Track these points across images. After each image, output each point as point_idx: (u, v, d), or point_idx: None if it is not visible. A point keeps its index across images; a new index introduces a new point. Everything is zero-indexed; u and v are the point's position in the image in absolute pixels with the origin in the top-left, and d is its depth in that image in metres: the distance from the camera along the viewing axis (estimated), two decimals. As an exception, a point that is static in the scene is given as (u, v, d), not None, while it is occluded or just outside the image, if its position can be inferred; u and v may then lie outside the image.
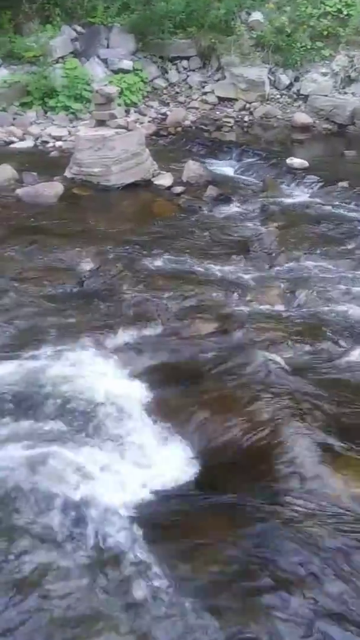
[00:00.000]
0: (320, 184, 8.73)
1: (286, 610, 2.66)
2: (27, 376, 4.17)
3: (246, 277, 5.98)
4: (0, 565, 2.83)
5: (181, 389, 4.24)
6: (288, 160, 9.46)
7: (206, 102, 12.92)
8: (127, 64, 12.94)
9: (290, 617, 2.63)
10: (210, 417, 3.89)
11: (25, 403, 3.95)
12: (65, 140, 10.89)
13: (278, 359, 4.43)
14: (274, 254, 6.46)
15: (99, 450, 3.60)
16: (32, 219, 7.33)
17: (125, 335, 4.79)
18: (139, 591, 2.76)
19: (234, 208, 7.88)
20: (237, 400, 4.02)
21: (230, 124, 12.14)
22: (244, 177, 9.24)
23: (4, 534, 2.98)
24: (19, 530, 3.00)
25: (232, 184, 8.84)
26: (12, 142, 11.00)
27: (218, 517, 3.28)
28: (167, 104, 12.91)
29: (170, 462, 3.61)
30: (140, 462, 3.59)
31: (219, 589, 2.80)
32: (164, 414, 3.95)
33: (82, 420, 3.83)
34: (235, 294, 5.58)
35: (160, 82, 13.33)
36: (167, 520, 3.26)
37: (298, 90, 13.04)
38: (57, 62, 12.56)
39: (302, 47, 13.03)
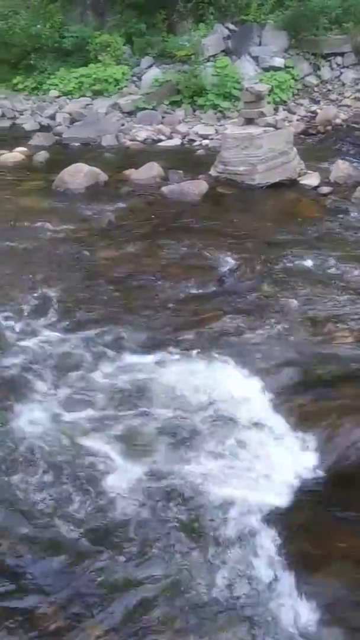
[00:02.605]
0: None
1: None
2: (164, 374, 4.17)
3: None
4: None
5: (314, 395, 4.08)
6: None
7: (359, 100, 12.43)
8: (278, 61, 12.76)
9: None
10: (343, 425, 3.74)
11: (158, 400, 3.95)
12: (211, 139, 10.91)
13: None
14: None
15: (230, 451, 3.55)
16: (176, 217, 7.38)
17: (264, 337, 4.65)
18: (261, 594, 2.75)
19: (385, 211, 7.49)
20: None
21: (384, 123, 11.59)
22: None
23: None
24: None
25: (384, 186, 8.39)
26: (160, 140, 11.19)
27: (348, 529, 3.17)
28: (318, 102, 12.58)
29: (300, 468, 3.49)
30: (271, 466, 3.48)
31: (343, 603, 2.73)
32: (296, 418, 3.82)
33: (214, 420, 3.78)
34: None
35: (311, 80, 13.02)
36: (295, 526, 3.17)
37: None
38: (208, 60, 12.62)
39: None
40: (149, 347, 4.54)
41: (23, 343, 4.57)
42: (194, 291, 5.53)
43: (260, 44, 13.24)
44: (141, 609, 2.72)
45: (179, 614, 2.69)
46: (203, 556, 2.95)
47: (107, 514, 3.15)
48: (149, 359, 4.38)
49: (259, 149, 8.19)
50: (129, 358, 4.41)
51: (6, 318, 4.94)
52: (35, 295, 5.33)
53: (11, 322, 4.88)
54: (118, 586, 2.82)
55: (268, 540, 3.02)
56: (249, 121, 8.49)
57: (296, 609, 2.71)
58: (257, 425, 3.77)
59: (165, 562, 2.92)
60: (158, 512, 3.17)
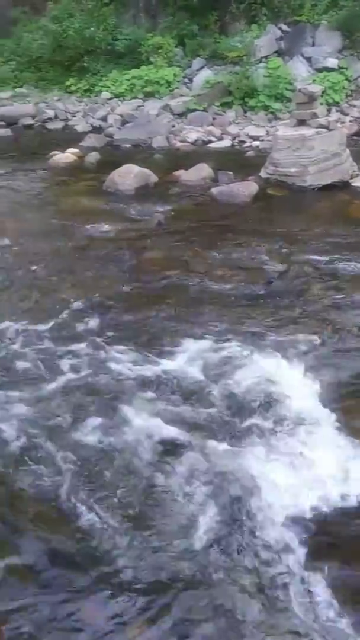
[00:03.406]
0: None
1: None
2: (212, 376, 4.14)
3: None
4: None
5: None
6: None
7: None
8: (332, 62, 12.59)
9: None
10: None
11: (206, 402, 3.91)
12: (262, 140, 10.84)
13: None
14: None
15: (281, 457, 3.48)
16: (225, 218, 7.35)
17: (314, 342, 4.56)
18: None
19: None
20: None
21: None
22: None
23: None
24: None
25: None
26: (211, 142, 11.18)
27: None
28: (372, 103, 12.36)
29: (352, 478, 3.36)
30: (321, 475, 3.38)
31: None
32: (350, 427, 3.71)
33: (265, 425, 3.73)
34: None
35: (365, 81, 12.81)
36: (338, 539, 3.08)
37: None
38: (260, 61, 12.55)
39: None
40: (196, 348, 4.51)
41: (72, 346, 4.60)
42: (242, 292, 5.48)
43: (313, 45, 13.09)
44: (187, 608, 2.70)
45: (219, 615, 2.66)
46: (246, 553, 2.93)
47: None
48: (199, 360, 4.35)
49: (311, 150, 8.10)
50: (180, 358, 4.40)
51: (57, 315, 5.00)
52: (83, 294, 5.36)
53: (61, 321, 4.93)
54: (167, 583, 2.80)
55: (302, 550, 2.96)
56: (301, 122, 8.41)
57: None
58: (305, 428, 3.71)
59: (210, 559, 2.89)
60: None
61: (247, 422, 3.73)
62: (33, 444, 3.55)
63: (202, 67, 13.09)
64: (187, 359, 4.38)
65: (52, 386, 4.09)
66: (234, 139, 11.23)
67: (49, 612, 2.67)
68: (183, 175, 8.84)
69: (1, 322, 4.86)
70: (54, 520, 3.11)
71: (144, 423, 3.72)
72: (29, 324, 4.85)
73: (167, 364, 4.32)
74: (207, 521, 3.07)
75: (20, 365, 4.33)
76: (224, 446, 3.55)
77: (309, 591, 2.75)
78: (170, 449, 3.53)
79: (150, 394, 4.01)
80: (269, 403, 3.87)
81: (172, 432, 3.65)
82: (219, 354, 4.41)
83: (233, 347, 4.49)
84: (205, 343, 4.57)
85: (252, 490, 3.22)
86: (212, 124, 11.77)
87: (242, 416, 3.78)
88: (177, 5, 13.61)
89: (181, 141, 11.21)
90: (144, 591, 2.76)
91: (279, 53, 12.98)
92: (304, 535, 3.02)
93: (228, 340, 4.61)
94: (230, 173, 8.70)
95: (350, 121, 11.66)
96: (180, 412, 3.83)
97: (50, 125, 12.92)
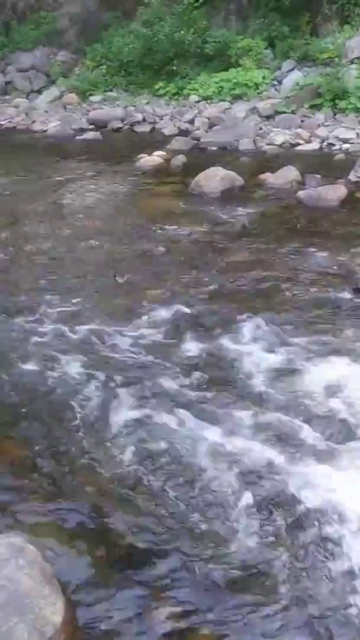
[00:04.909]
0: None
1: None
2: (295, 384, 4.08)
3: None
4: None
5: None
6: None
7: None
8: None
9: None
10: None
11: (284, 411, 3.85)
12: (352, 143, 10.61)
13: None
14: None
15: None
16: (311, 222, 7.22)
17: None
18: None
19: None
20: None
21: None
22: None
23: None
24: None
25: None
26: (298, 145, 11.04)
27: None
28: None
29: None
30: None
31: None
32: None
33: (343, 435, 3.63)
34: None
35: None
36: None
37: None
38: (352, 62, 12.28)
39: None
40: (279, 352, 4.45)
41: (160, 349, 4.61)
42: (324, 298, 5.36)
43: None
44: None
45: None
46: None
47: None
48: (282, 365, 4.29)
49: None
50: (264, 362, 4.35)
51: (141, 317, 5.03)
52: (168, 297, 5.39)
53: (146, 323, 4.96)
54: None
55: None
56: (394, 124, 8.17)
57: None
58: None
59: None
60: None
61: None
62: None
63: (292, 69, 12.92)
64: (274, 366, 4.32)
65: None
66: (322, 141, 11.02)
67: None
68: (269, 178, 8.75)
69: (86, 324, 4.93)
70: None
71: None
72: (114, 326, 4.90)
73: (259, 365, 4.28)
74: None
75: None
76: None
77: None
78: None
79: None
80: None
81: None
82: (306, 358, 4.33)
83: (320, 352, 4.40)
84: (292, 351, 4.49)
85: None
86: (300, 127, 11.59)
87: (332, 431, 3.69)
88: (269, 7, 13.50)
89: (268, 144, 11.10)
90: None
91: (372, 53, 12.68)
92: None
93: (313, 342, 4.53)
94: (318, 176, 8.54)
95: None
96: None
97: (138, 129, 13.10)
